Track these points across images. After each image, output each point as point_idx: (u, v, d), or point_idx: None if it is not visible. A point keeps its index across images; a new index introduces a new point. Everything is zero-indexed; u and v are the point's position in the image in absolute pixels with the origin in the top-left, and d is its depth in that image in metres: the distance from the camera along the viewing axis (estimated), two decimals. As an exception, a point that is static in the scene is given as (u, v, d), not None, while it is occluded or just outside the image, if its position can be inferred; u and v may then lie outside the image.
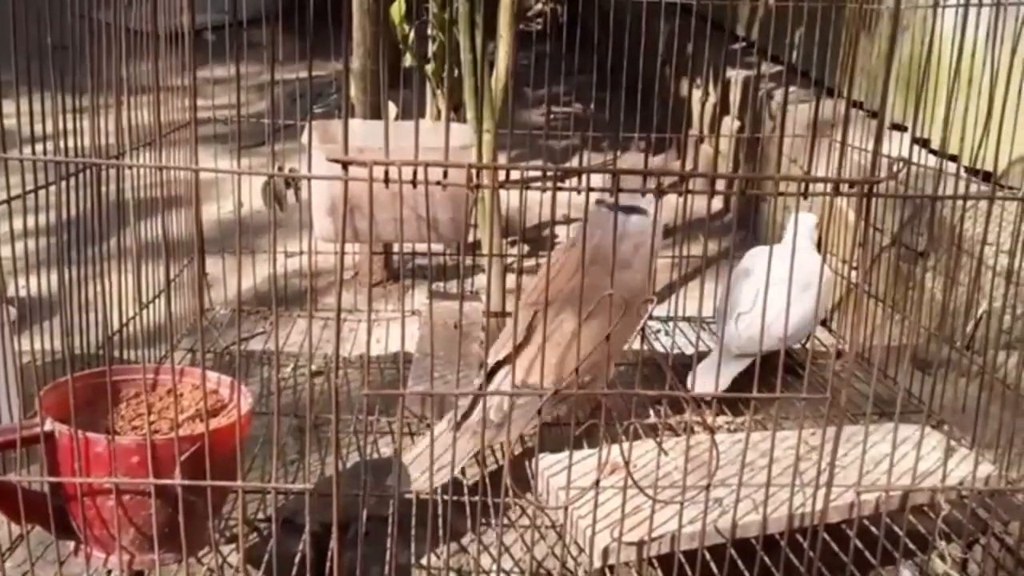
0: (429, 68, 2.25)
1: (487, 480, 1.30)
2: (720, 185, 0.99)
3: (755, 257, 1.74)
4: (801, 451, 1.06)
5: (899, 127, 1.87)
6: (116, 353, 1.49)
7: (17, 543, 1.14)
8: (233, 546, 1.21)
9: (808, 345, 1.75)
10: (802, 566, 1.06)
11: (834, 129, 2.05)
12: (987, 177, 1.62)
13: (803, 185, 0.95)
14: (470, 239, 2.15)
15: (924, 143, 1.72)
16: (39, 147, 1.20)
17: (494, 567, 1.18)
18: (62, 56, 1.22)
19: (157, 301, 1.63)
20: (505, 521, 1.27)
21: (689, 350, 1.78)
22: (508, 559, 1.21)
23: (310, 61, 1.01)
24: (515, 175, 1.04)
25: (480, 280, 2.25)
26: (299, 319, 1.96)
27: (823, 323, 2.01)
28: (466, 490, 1.30)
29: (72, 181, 1.29)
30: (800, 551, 1.07)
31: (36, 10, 1.17)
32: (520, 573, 1.19)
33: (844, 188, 0.95)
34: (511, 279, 2.08)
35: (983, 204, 1.44)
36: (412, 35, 2.22)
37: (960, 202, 1.61)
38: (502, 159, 2.26)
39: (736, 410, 1.57)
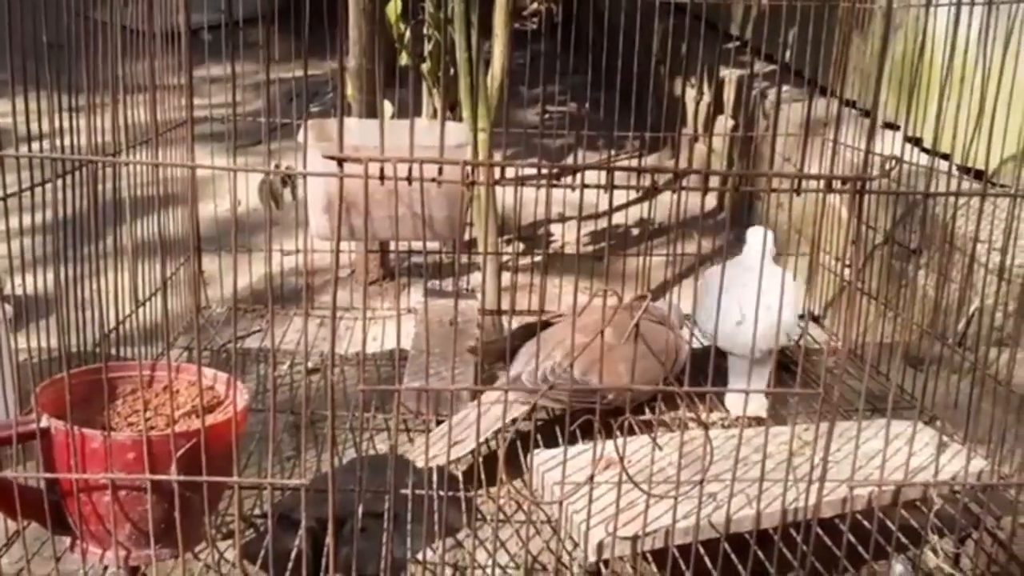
0: (425, 67, 2.26)
1: (483, 475, 1.30)
2: (714, 182, 0.99)
3: (718, 275, 1.71)
4: (794, 446, 1.07)
5: (891, 125, 1.88)
6: (112, 350, 1.49)
7: (13, 539, 1.15)
8: (229, 542, 1.21)
9: (801, 342, 1.76)
10: (795, 560, 1.07)
11: (827, 128, 2.05)
12: (979, 175, 1.63)
13: (796, 182, 0.96)
14: (465, 237, 2.16)
15: (916, 141, 1.73)
16: (35, 145, 1.21)
17: (489, 562, 1.19)
18: (58, 54, 1.22)
19: (153, 299, 1.63)
20: (501, 516, 1.28)
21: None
22: (504, 554, 1.21)
23: (306, 60, 1.02)
24: (510, 172, 1.05)
25: (476, 278, 2.25)
26: (295, 317, 1.97)
27: (815, 320, 2.02)
28: (461, 485, 1.31)
29: (68, 179, 1.30)
30: (793, 545, 1.07)
31: (32, 8, 1.17)
32: (515, 568, 1.20)
33: (836, 185, 0.96)
34: (506, 277, 2.09)
35: (975, 201, 1.45)
36: (408, 34, 2.23)
37: (952, 199, 1.62)
38: (497, 158, 2.26)
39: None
